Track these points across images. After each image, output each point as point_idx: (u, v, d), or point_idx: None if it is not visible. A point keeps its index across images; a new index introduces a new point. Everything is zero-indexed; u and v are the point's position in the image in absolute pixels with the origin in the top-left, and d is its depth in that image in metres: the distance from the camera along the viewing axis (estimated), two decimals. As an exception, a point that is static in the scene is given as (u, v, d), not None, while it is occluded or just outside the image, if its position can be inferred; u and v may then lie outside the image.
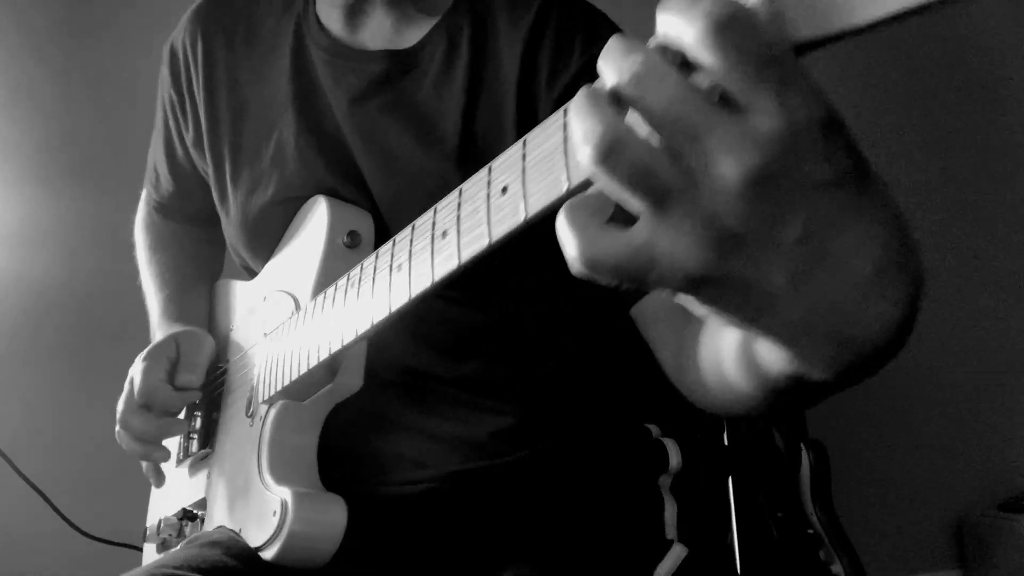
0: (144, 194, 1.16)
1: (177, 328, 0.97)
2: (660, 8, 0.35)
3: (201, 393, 0.92)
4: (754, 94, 0.33)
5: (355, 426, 0.81)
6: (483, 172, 0.51)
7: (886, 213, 0.37)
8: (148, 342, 0.97)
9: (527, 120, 0.78)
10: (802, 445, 1.67)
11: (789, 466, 1.66)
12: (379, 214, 0.83)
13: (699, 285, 0.37)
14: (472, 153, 0.80)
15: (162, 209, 1.13)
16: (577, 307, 0.85)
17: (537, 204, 0.46)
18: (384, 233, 0.83)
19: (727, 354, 0.53)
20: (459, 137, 0.80)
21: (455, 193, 0.55)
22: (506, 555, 0.79)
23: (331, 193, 0.84)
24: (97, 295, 1.58)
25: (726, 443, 1.43)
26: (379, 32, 0.86)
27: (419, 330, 0.80)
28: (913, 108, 2.17)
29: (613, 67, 0.36)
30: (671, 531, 0.83)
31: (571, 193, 0.43)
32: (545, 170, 0.46)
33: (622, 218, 0.38)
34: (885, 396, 1.96)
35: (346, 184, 0.84)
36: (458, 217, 0.53)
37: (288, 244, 0.88)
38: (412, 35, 0.85)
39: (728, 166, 0.34)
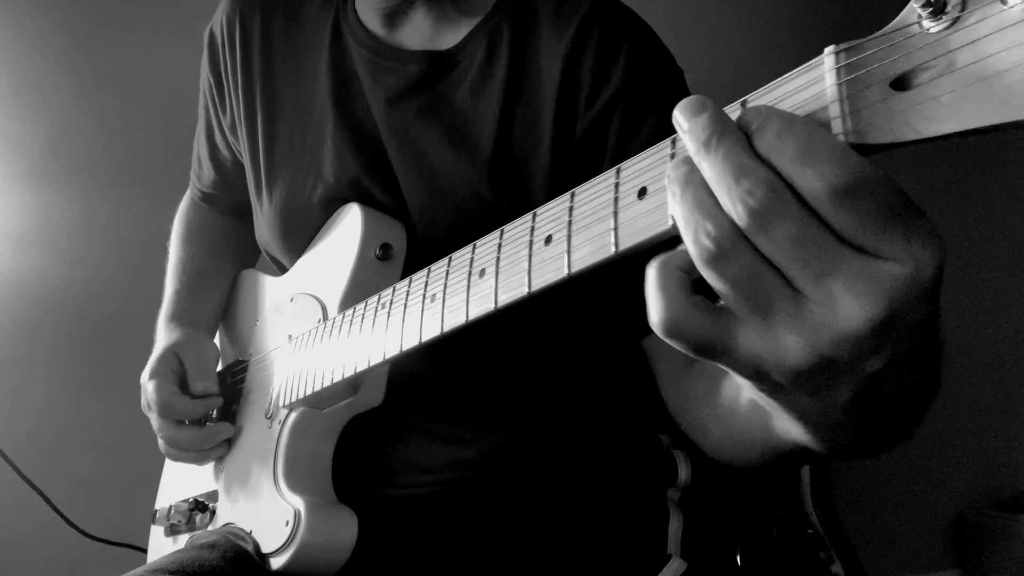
0: (190, 184, 1.14)
1: (174, 334, 0.95)
2: (772, 135, 0.34)
3: (222, 398, 0.92)
4: (881, 243, 0.33)
5: (366, 429, 0.81)
6: (527, 217, 0.51)
7: (939, 345, 0.39)
8: (149, 343, 0.97)
9: (564, 135, 0.76)
10: (802, 445, 1.67)
11: (789, 466, 1.66)
12: (410, 219, 0.82)
13: (764, 380, 0.37)
14: (505, 164, 0.78)
15: (206, 199, 1.11)
16: (592, 326, 0.83)
17: (582, 262, 0.46)
18: (413, 239, 0.82)
19: (742, 411, 0.54)
20: (492, 147, 0.78)
21: (496, 233, 0.54)
22: (507, 558, 0.79)
23: (365, 195, 0.83)
24: (98, 295, 1.58)
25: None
26: (418, 31, 0.84)
27: None
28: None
29: (732, 193, 0.34)
30: (673, 545, 0.82)
31: (619, 256, 0.43)
32: (593, 229, 0.45)
33: (707, 287, 0.37)
34: (885, 396, 1.96)
35: (380, 187, 0.83)
36: (497, 258, 0.53)
37: (319, 247, 0.87)
38: (451, 36, 0.83)
39: (853, 308, 0.33)
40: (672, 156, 0.41)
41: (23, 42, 1.57)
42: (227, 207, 1.10)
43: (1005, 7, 0.31)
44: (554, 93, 0.76)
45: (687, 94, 0.78)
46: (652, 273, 0.38)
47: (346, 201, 0.84)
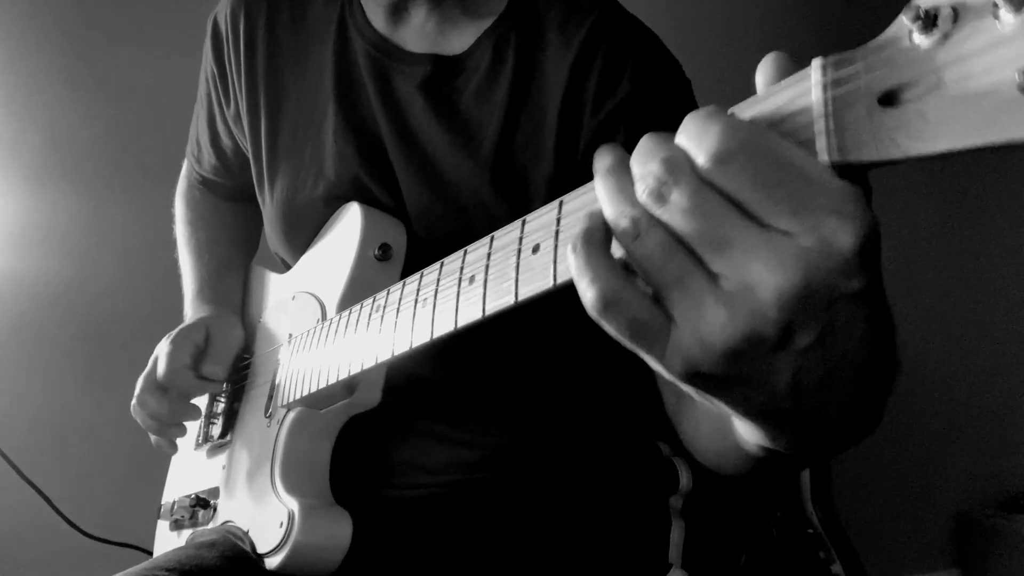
0: (185, 167, 1.14)
1: (209, 311, 0.96)
2: (683, 125, 0.35)
3: (223, 386, 0.93)
4: (770, 211, 0.33)
5: (366, 430, 0.81)
6: (516, 225, 0.51)
7: (884, 314, 0.36)
8: (148, 343, 0.97)
9: (568, 142, 0.76)
10: (802, 445, 1.67)
11: (789, 466, 1.66)
12: (410, 220, 0.82)
13: (698, 376, 0.36)
14: (507, 167, 0.78)
15: (205, 183, 1.11)
16: (591, 328, 0.83)
17: (568, 272, 0.44)
18: (413, 240, 0.82)
19: (712, 417, 0.54)
20: (495, 150, 0.78)
21: (486, 239, 0.54)
22: (506, 564, 0.79)
23: (366, 193, 0.83)
24: (97, 295, 1.58)
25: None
26: (422, 32, 0.84)
27: None
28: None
29: (638, 174, 0.36)
30: (674, 554, 0.81)
31: None
32: None
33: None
34: (885, 396, 1.96)
35: (380, 186, 0.83)
36: (487, 266, 0.53)
37: (320, 245, 0.88)
38: (456, 39, 0.83)
39: (761, 281, 0.33)
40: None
41: (23, 42, 1.57)
42: (227, 194, 1.10)
43: (998, 23, 0.29)
44: (558, 102, 0.76)
45: (694, 105, 0.79)
46: (578, 250, 0.38)
47: (348, 199, 0.84)
